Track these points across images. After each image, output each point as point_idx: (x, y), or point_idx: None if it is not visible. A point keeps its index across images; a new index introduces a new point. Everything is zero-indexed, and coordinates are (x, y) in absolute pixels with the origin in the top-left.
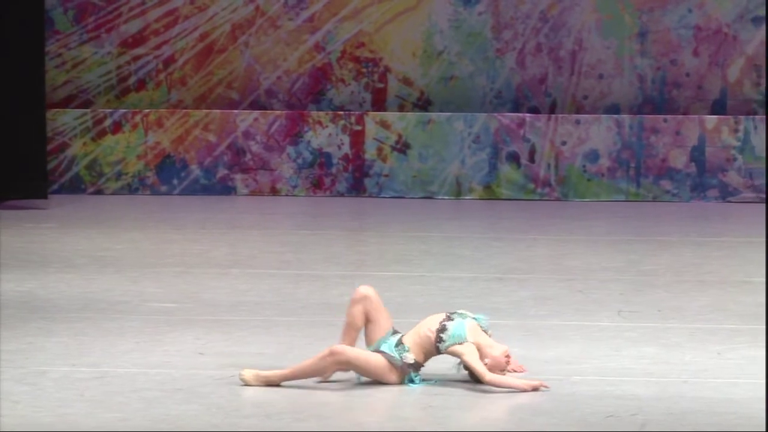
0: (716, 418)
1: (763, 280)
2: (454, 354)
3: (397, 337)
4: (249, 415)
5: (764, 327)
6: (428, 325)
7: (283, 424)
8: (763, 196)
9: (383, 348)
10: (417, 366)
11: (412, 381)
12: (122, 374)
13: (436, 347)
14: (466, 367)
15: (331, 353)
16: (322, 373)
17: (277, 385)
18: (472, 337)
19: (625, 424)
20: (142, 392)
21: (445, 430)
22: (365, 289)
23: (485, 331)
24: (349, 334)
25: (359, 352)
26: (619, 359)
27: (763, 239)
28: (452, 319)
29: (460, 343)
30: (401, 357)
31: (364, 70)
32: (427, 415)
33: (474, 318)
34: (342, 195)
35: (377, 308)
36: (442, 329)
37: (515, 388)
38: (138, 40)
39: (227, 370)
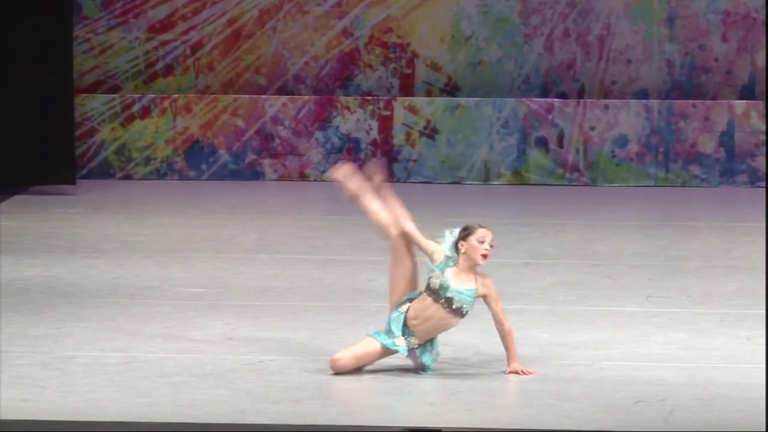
0: (745, 404)
1: None
2: (485, 301)
3: (405, 309)
4: (277, 400)
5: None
6: (421, 309)
7: (311, 409)
8: None
9: (386, 335)
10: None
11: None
12: (150, 359)
13: (458, 312)
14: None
15: (332, 365)
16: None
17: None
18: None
19: (654, 409)
20: (170, 377)
21: (474, 415)
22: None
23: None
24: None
25: (353, 355)
26: (648, 345)
27: None
28: (429, 280)
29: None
30: (406, 344)
31: (392, 55)
32: (455, 401)
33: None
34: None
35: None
36: (437, 296)
37: (511, 358)
38: (166, 25)
39: (255, 356)
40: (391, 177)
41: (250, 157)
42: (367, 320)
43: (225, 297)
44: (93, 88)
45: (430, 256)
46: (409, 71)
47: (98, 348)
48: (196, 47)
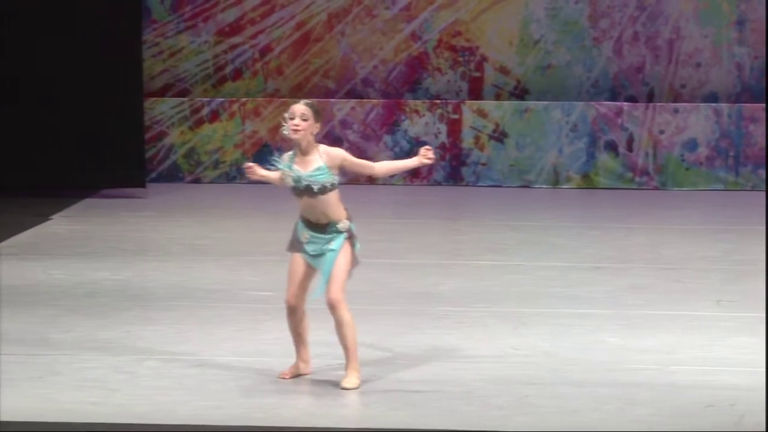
0: None
1: None
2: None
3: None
4: (346, 404)
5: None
6: (301, 206)
7: (379, 413)
8: None
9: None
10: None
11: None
12: (220, 362)
13: (324, 191)
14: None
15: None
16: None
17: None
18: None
19: (724, 414)
20: (239, 381)
21: (543, 420)
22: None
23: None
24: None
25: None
26: (717, 349)
27: None
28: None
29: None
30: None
31: (461, 59)
32: (521, 404)
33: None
34: (439, 184)
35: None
36: (299, 190)
37: (406, 167)
38: (235, 29)
39: (325, 359)
40: (460, 180)
41: None
42: (434, 324)
43: None
44: (162, 92)
45: (280, 167)
46: (477, 75)
47: (167, 351)
48: (265, 51)
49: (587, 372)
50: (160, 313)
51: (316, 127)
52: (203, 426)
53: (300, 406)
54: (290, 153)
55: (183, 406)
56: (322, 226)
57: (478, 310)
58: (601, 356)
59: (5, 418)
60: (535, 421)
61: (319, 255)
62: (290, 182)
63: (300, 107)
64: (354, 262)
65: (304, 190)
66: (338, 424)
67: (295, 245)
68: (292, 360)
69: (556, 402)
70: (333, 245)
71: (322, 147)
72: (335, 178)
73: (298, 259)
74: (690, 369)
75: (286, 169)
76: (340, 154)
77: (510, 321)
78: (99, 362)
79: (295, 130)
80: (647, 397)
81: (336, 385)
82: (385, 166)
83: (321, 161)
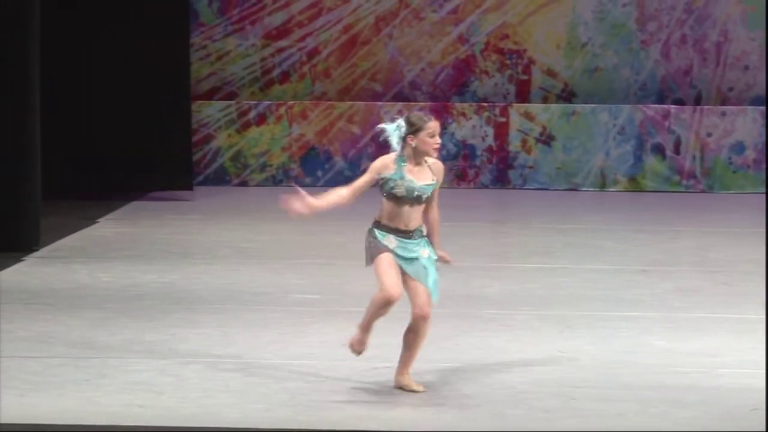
0: None
1: None
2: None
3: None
4: (394, 407)
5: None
6: (393, 213)
7: (426, 416)
8: None
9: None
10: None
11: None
12: (265, 365)
13: (419, 200)
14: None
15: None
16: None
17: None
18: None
19: None
20: (285, 383)
21: (588, 422)
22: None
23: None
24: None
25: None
26: (763, 352)
27: None
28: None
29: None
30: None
31: (508, 62)
32: (567, 407)
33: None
34: (486, 187)
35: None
36: (406, 199)
37: (438, 246)
38: (282, 32)
39: (371, 362)
40: (507, 183)
41: (366, 163)
42: (480, 326)
43: (339, 303)
44: (209, 95)
45: (380, 175)
46: (525, 78)
47: (213, 354)
48: (312, 54)
49: (633, 375)
50: (206, 316)
51: None
52: (250, 429)
53: (347, 409)
54: (396, 159)
55: (229, 408)
56: (409, 233)
57: (524, 313)
58: (647, 359)
59: (52, 420)
60: (581, 424)
61: (412, 260)
62: (401, 192)
63: (438, 125)
64: None
65: (412, 199)
66: (386, 427)
67: (381, 249)
68: (338, 362)
69: (602, 405)
70: (429, 253)
71: (430, 158)
72: None
73: (389, 257)
74: (736, 372)
75: (398, 179)
76: (443, 172)
77: (556, 324)
78: (145, 365)
79: (438, 150)
80: (693, 401)
81: (384, 387)
82: (427, 222)
83: (431, 175)
